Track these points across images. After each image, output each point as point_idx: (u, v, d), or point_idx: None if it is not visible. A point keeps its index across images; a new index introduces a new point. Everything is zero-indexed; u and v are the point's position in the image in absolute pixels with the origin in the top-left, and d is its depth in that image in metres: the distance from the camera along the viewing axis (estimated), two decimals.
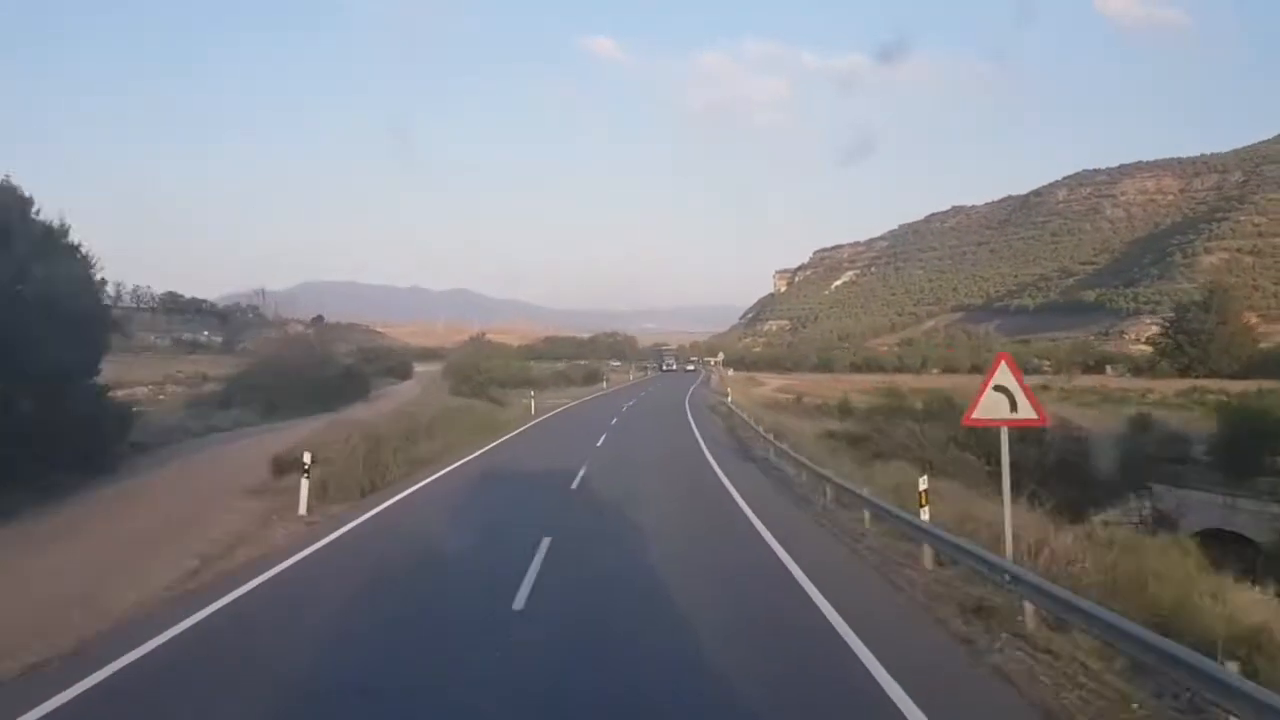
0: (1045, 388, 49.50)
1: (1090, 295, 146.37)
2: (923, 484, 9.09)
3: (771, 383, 64.46)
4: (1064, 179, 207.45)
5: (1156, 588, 7.41)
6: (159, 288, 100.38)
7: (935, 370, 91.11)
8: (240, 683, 5.25)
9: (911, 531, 8.81)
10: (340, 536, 9.88)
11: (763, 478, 15.62)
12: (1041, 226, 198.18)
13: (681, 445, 21.85)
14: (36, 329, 11.07)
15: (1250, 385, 52.12)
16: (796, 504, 12.70)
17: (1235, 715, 4.29)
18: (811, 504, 12.63)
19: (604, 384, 64.57)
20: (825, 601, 7.03)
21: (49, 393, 11.53)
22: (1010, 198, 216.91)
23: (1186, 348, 69.06)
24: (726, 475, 15.59)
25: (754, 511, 11.64)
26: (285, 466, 14.00)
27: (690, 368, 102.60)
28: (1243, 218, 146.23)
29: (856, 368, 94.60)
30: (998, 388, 8.84)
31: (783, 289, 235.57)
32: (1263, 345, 73.79)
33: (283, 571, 8.09)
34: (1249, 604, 8.42)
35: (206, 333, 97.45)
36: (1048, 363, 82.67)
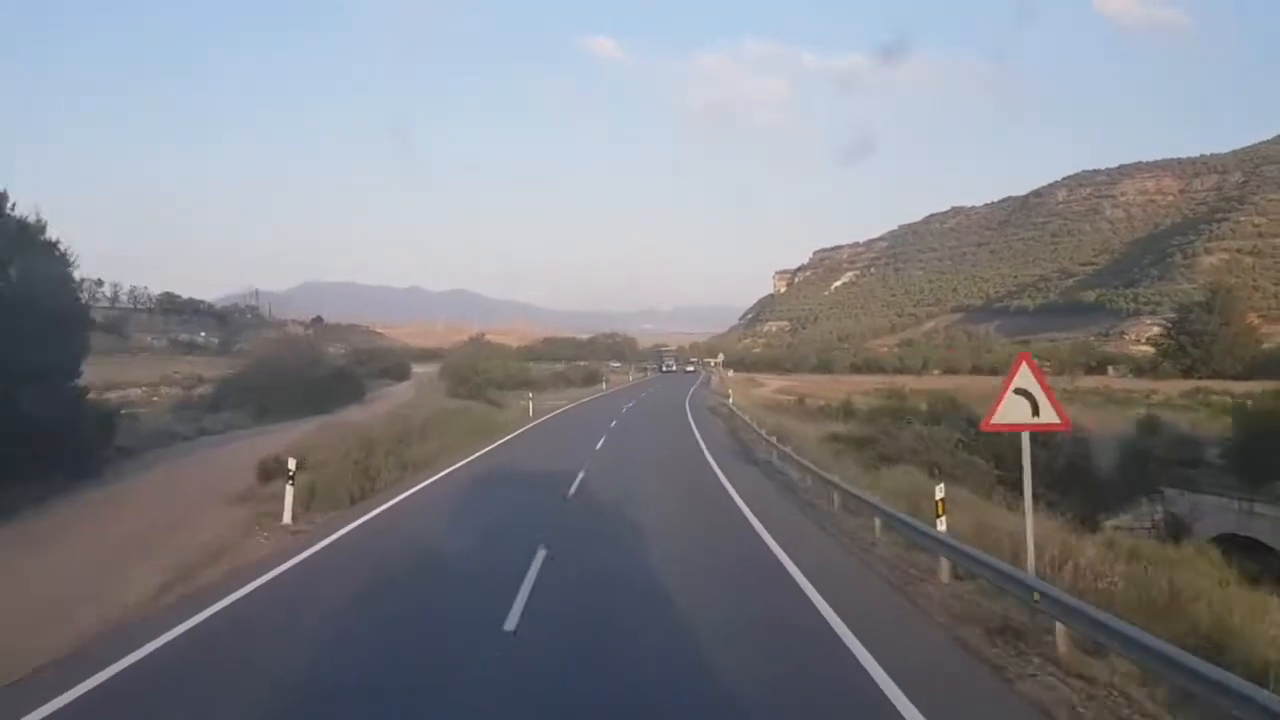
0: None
1: (1090, 296, 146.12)
2: (939, 492, 8.61)
3: (771, 384, 64.01)
4: (1064, 179, 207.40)
5: (1193, 605, 6.94)
6: (159, 288, 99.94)
7: (936, 371, 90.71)
8: None
9: (928, 543, 8.33)
10: (324, 547, 9.38)
11: (766, 482, 15.14)
12: (1041, 227, 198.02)
13: (682, 448, 21.38)
14: (9, 328, 10.59)
15: (1254, 386, 51.75)
16: (803, 511, 12.23)
17: None
18: (818, 510, 12.16)
19: (603, 385, 64.09)
20: (840, 621, 6.54)
21: (23, 395, 11.04)
22: (1010, 198, 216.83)
23: (1189, 348, 68.69)
24: (729, 479, 15.11)
25: (758, 518, 11.16)
26: (272, 471, 13.51)
27: (690, 369, 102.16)
28: (1243, 218, 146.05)
29: (857, 369, 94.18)
30: (1019, 391, 8.37)
31: (782, 290, 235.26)
32: (1265, 346, 73.46)
33: (259, 589, 7.59)
34: None
35: (204, 334, 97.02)
36: (1048, 364, 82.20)
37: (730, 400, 34.89)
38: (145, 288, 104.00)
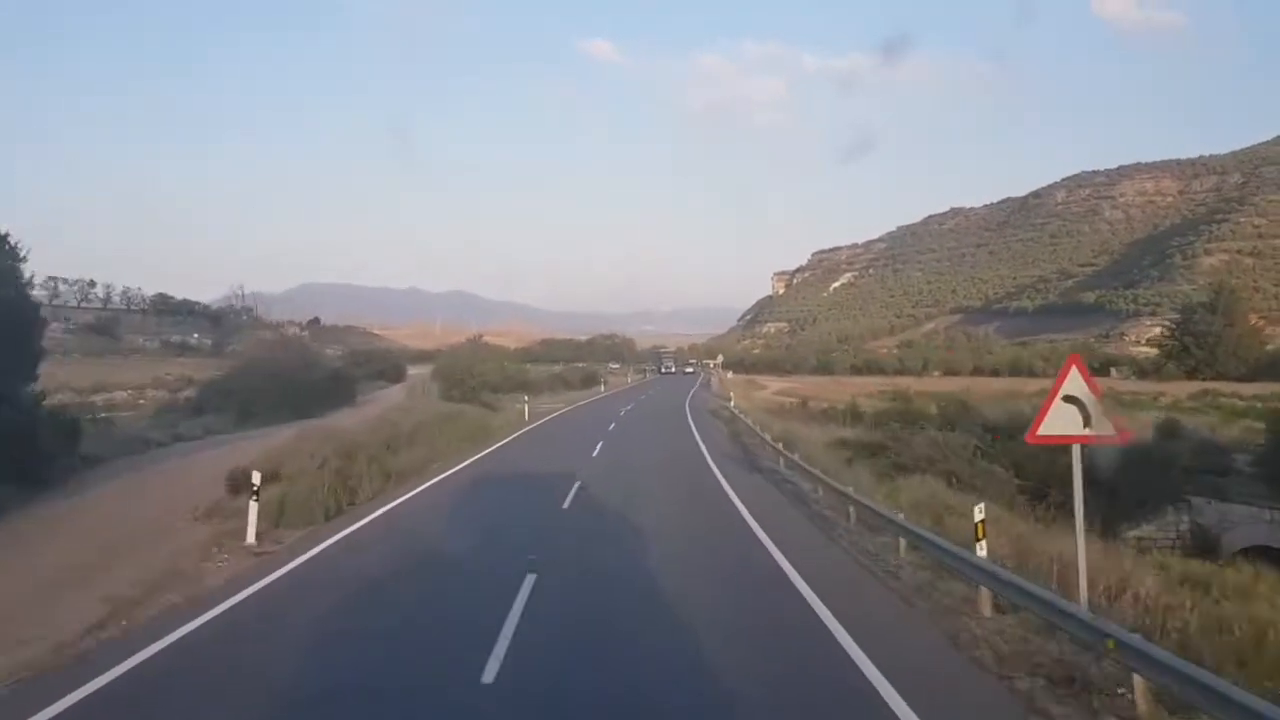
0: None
1: (1090, 297, 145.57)
2: (979, 513, 7.67)
3: (772, 385, 63.08)
4: (1063, 180, 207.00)
5: None
6: (160, 290, 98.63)
7: (937, 373, 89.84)
8: None
9: (966, 570, 7.38)
10: (286, 574, 8.40)
11: (775, 494, 14.18)
12: (1040, 228, 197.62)
13: (683, 454, 20.42)
14: None
15: (1262, 388, 50.90)
16: (816, 526, 11.27)
17: None
18: (832, 526, 11.20)
19: (601, 387, 63.11)
20: (876, 670, 5.58)
21: None
22: (1009, 199, 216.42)
23: (1193, 350, 67.82)
24: (735, 490, 14.15)
25: (770, 537, 10.19)
26: (242, 484, 12.51)
27: (689, 370, 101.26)
28: (1242, 219, 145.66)
29: (857, 370, 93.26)
30: (1068, 398, 7.45)
31: (781, 291, 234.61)
32: (1270, 347, 72.65)
33: (201, 629, 6.61)
34: None
35: (197, 335, 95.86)
36: (1050, 365, 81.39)
37: (732, 403, 33.92)
38: (139, 289, 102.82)
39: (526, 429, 27.61)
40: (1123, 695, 5.27)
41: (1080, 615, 5.74)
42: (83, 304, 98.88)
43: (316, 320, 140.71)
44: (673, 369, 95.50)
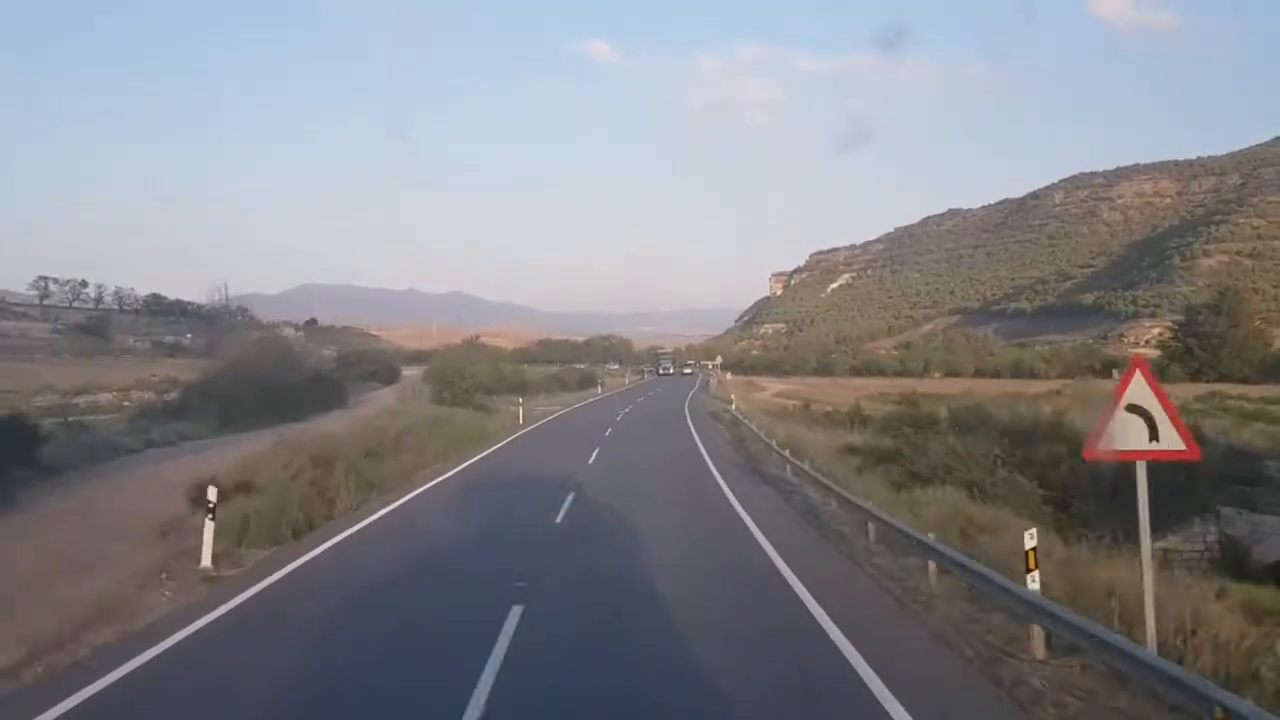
0: (1059, 393, 47.37)
1: (1088, 298, 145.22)
2: (1029, 540, 6.70)
3: (771, 387, 62.15)
4: (1060, 182, 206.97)
5: None
6: (156, 290, 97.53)
7: (937, 374, 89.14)
8: None
9: (1018, 607, 6.40)
10: (238, 606, 7.39)
11: (784, 507, 13.20)
12: (1038, 229, 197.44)
13: (684, 461, 19.46)
14: None
15: (1269, 390, 50.17)
16: (834, 547, 10.29)
17: None
18: (851, 545, 10.23)
19: (599, 389, 62.13)
20: None
21: None
22: (1007, 200, 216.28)
23: (1197, 351, 67.24)
24: (741, 502, 13.18)
25: (785, 561, 9.22)
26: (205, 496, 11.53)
27: (687, 371, 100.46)
28: (1241, 220, 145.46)
29: (857, 371, 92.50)
30: (1132, 408, 6.52)
31: (779, 292, 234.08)
32: (1274, 348, 72.06)
33: (123, 681, 5.60)
34: None
35: (189, 335, 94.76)
36: (1051, 366, 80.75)
37: (733, 406, 32.95)
38: (131, 289, 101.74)
39: (520, 433, 26.61)
40: None
41: (1174, 673, 4.79)
42: (74, 304, 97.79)
43: (313, 321, 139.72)
44: (671, 370, 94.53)
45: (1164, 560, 16.47)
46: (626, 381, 78.10)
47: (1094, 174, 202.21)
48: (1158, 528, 18.00)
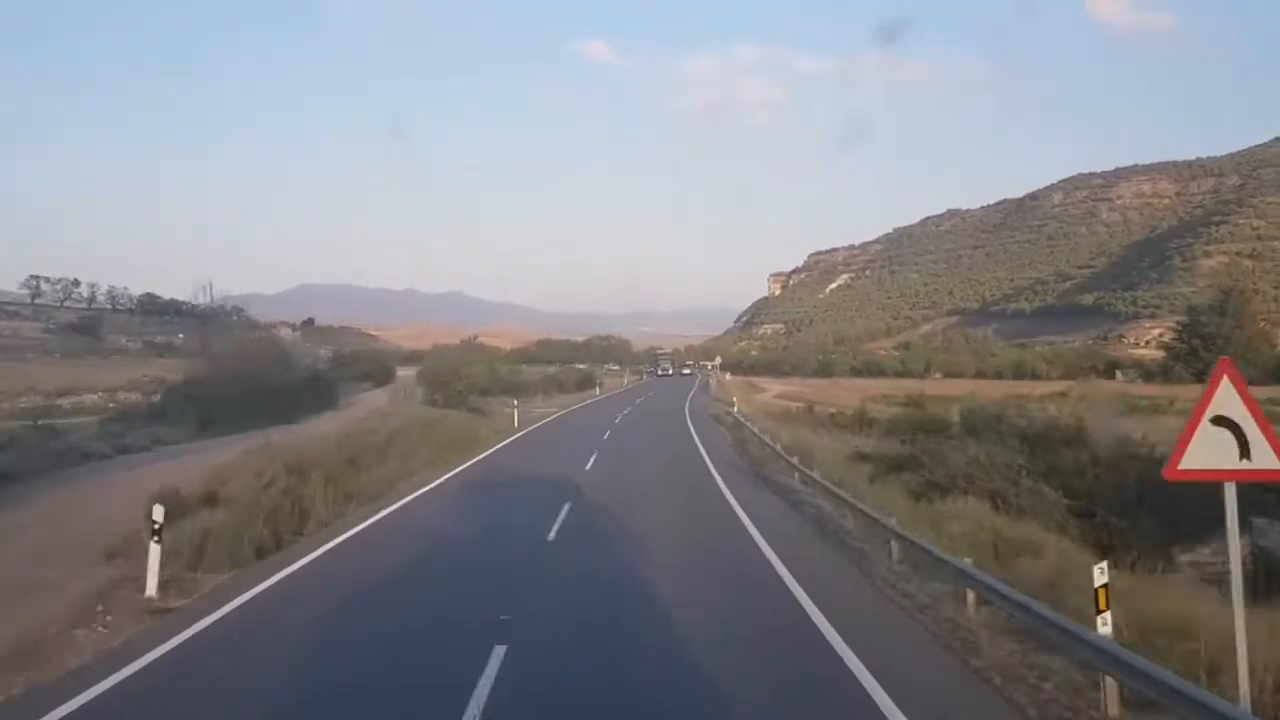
0: (1064, 394, 46.56)
1: (1088, 299, 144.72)
2: (1099, 576, 5.73)
3: (772, 388, 61.24)
4: (1059, 182, 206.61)
5: None
6: (154, 290, 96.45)
7: (938, 375, 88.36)
8: None
9: (1088, 654, 5.46)
10: (176, 649, 6.40)
11: (797, 521, 12.25)
12: (1037, 230, 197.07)
13: (686, 466, 18.52)
14: None
15: (1275, 392, 49.35)
16: (854, 567, 9.34)
17: None
18: (872, 566, 9.28)
19: (597, 390, 61.20)
20: None
21: None
22: (1005, 201, 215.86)
23: (1201, 352, 66.40)
24: (748, 514, 12.23)
25: (801, 584, 8.27)
26: (170, 510, 10.56)
27: (686, 371, 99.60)
28: (1241, 221, 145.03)
29: (857, 372, 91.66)
30: (1218, 419, 5.58)
31: (777, 292, 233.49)
32: (1279, 349, 71.36)
33: None
34: None
35: (182, 335, 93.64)
36: (1054, 367, 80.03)
37: (735, 408, 32.00)
38: (124, 288, 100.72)
39: (514, 437, 25.63)
40: None
41: None
42: (66, 303, 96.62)
43: (311, 321, 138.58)
44: (670, 371, 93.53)
45: (1192, 575, 15.54)
46: (625, 382, 77.15)
47: (1093, 174, 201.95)
48: (1185, 540, 17.12)
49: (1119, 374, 72.74)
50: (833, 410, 34.75)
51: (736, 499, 13.79)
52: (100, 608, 7.26)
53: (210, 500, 11.56)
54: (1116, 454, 17.32)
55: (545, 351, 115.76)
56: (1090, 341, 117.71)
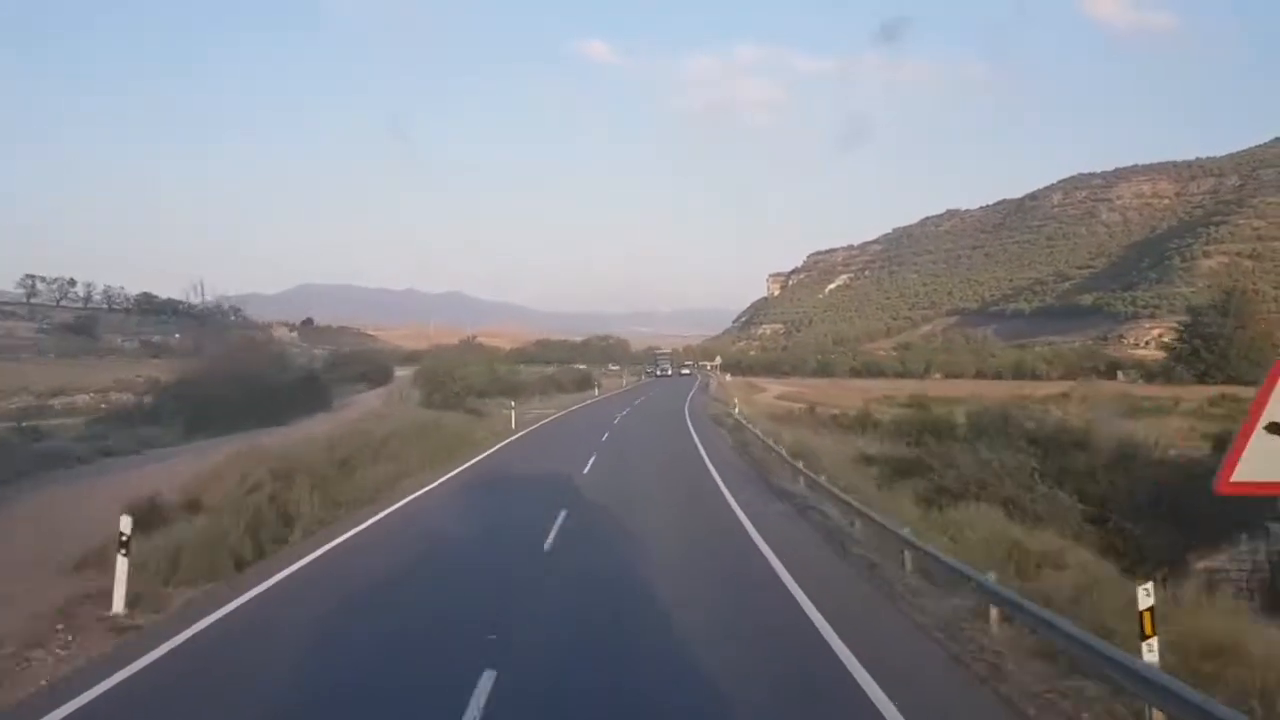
0: (1066, 395, 46.15)
1: (1087, 299, 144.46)
2: (1145, 598, 5.25)
3: (772, 389, 60.75)
4: (1059, 182, 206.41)
5: None
6: (153, 290, 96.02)
7: (938, 375, 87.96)
8: None
9: (1134, 685, 4.98)
10: (149, 667, 5.93)
11: (805, 529, 11.77)
12: (1037, 230, 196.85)
13: (689, 472, 18.03)
14: None
15: None
16: (865, 581, 8.85)
17: None
18: (886, 578, 8.81)
19: (595, 390, 60.71)
20: None
21: None
22: (1005, 201, 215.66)
23: (1203, 353, 66.04)
24: (753, 521, 11.76)
25: (811, 598, 7.81)
26: (146, 519, 10.07)
27: (685, 371, 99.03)
28: (1241, 221, 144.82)
29: (857, 373, 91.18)
30: (1273, 427, 5.10)
31: (776, 292, 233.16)
32: None
33: None
34: None
35: (178, 335, 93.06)
36: (1055, 368, 79.65)
37: (736, 410, 31.51)
38: (121, 287, 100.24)
39: (511, 439, 25.13)
40: None
41: None
42: (62, 303, 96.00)
43: (310, 321, 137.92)
44: (669, 371, 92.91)
45: (1208, 582, 15.11)
46: (624, 383, 76.64)
47: (1092, 175, 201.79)
48: (1200, 545, 16.67)
49: (1120, 374, 72.38)
50: (835, 411, 34.27)
51: (738, 501, 13.32)
52: (61, 626, 6.76)
53: (191, 507, 11.09)
54: (1129, 457, 16.90)
55: (544, 352, 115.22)
56: (1090, 342, 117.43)
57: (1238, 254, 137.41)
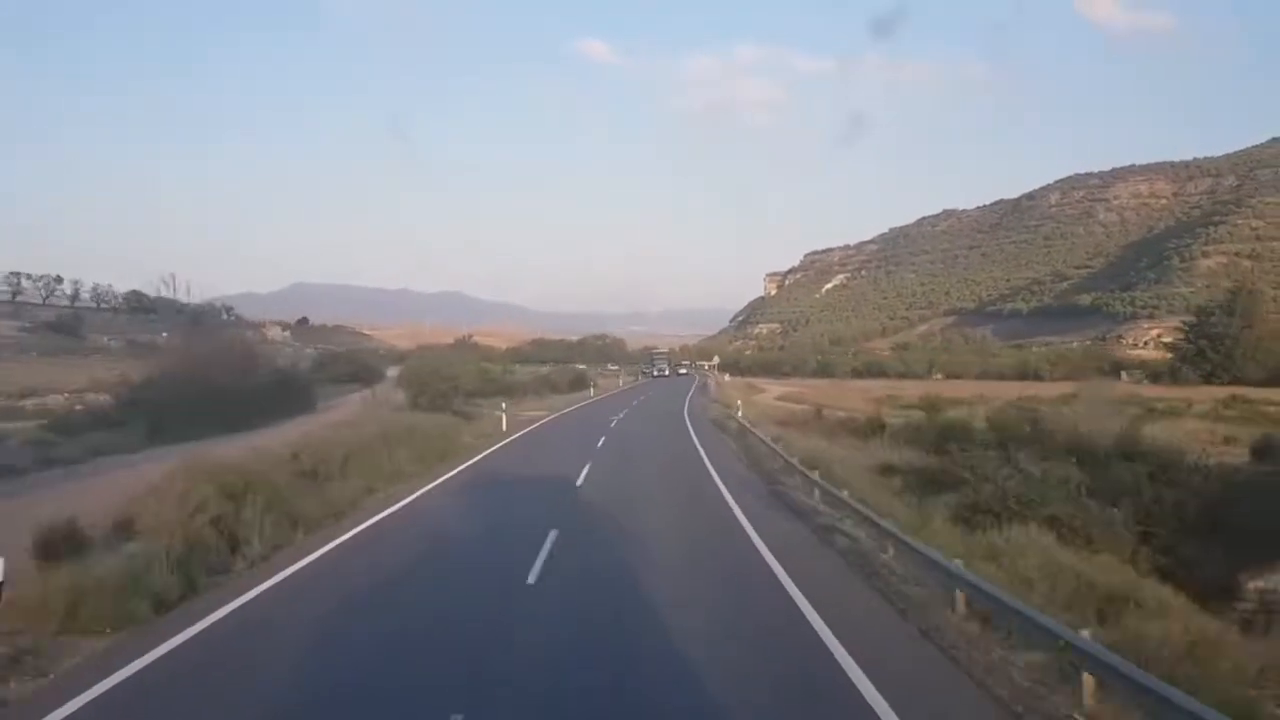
0: (1075, 396, 44.94)
1: (1085, 299, 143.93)
2: None
3: (772, 389, 59.35)
4: (1056, 182, 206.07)
5: None
6: (148, 289, 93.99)
7: (939, 375, 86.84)
8: None
9: None
10: None
11: (828, 554, 10.32)
12: (1034, 230, 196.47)
13: (690, 479, 16.59)
14: None
15: None
16: (912, 625, 7.40)
17: None
18: (929, 620, 7.37)
19: (591, 391, 59.22)
20: None
21: None
22: (1001, 201, 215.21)
23: (1209, 353, 65.04)
24: (767, 542, 10.33)
25: (846, 646, 6.37)
26: (60, 546, 8.58)
27: (682, 371, 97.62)
28: (1240, 221, 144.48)
29: (858, 373, 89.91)
30: None
31: (773, 292, 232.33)
32: None
33: None
34: None
35: (165, 334, 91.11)
36: (1055, 369, 78.56)
37: (739, 413, 30.09)
38: (109, 285, 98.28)
39: (500, 444, 23.60)
40: None
41: None
42: (48, 301, 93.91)
43: (304, 320, 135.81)
44: (665, 371, 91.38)
45: (1262, 604, 13.75)
46: (621, 383, 75.18)
47: (1090, 175, 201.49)
48: (1251, 563, 15.24)
49: (1124, 375, 71.28)
50: (842, 414, 32.86)
51: (749, 518, 11.88)
52: None
53: (125, 529, 9.60)
54: (1169, 466, 15.54)
55: (539, 351, 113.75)
56: (1089, 342, 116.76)
57: (1236, 254, 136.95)
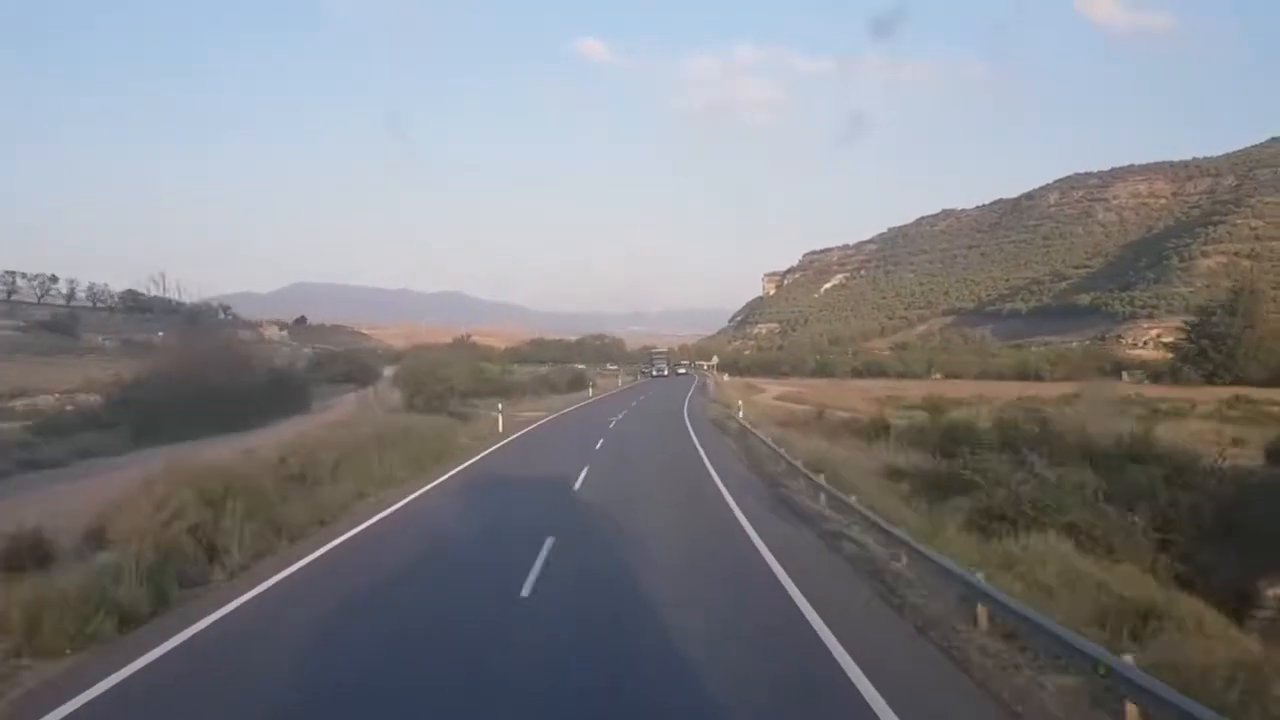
0: (1077, 397, 44.57)
1: (1084, 299, 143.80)
2: None
3: (772, 389, 58.93)
4: (1055, 182, 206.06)
5: None
6: (148, 288, 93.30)
7: (938, 375, 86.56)
8: None
9: None
10: None
11: (838, 563, 9.87)
12: (1033, 230, 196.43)
13: (691, 482, 16.14)
14: None
15: None
16: (932, 645, 6.95)
17: None
18: (951, 637, 6.93)
19: (589, 391, 58.76)
20: None
21: None
22: (1000, 201, 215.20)
23: (1211, 353, 64.75)
24: (773, 551, 9.87)
25: (864, 668, 5.92)
26: (21, 558, 8.11)
27: (681, 371, 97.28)
28: (1239, 221, 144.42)
29: (858, 373, 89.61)
30: None
31: (771, 292, 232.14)
32: None
33: None
34: None
35: (161, 333, 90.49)
36: (1055, 369, 78.28)
37: (740, 414, 29.64)
38: (105, 285, 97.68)
39: (497, 446, 23.13)
40: None
41: None
42: (43, 300, 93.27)
43: (302, 319, 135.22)
44: (664, 371, 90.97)
45: None
46: (620, 383, 74.75)
47: (1089, 174, 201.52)
48: (1270, 569, 14.79)
49: (1125, 375, 70.98)
50: (844, 414, 32.43)
51: (752, 523, 11.43)
52: None
53: (97, 538, 9.14)
54: (1185, 470, 15.12)
55: (538, 351, 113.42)
56: (1088, 342, 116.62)
57: (1236, 254, 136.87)
